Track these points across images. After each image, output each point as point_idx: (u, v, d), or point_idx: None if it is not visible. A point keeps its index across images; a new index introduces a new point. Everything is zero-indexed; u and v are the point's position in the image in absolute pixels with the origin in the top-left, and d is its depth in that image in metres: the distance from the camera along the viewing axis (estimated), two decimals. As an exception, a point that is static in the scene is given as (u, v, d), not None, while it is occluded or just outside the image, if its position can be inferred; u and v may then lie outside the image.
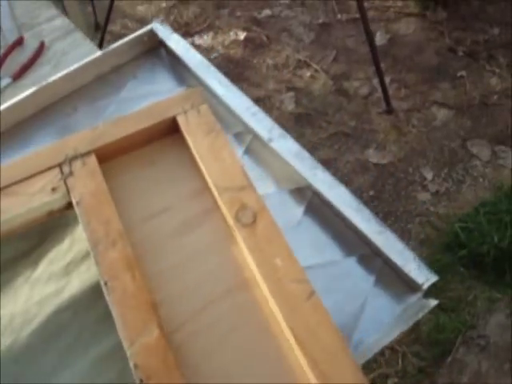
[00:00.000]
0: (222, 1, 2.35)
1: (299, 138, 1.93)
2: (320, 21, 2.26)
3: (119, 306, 0.68)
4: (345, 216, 0.78)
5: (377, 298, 0.73)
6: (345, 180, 1.83)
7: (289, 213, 0.81)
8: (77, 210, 0.76)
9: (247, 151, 0.88)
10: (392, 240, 0.76)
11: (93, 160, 0.79)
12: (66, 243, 0.82)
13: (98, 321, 0.72)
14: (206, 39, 2.26)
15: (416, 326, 1.47)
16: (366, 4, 1.82)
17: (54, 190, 0.78)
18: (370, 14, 2.10)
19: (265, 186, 0.84)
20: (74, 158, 0.79)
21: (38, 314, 0.76)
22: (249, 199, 0.73)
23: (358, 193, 1.80)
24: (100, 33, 2.17)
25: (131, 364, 0.64)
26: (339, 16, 2.25)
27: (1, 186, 0.78)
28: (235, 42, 2.24)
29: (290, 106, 2.03)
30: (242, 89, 0.99)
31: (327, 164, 1.87)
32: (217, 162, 0.77)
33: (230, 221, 0.72)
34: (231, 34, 2.26)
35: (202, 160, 0.77)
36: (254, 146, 0.88)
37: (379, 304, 0.73)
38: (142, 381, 0.63)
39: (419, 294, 0.73)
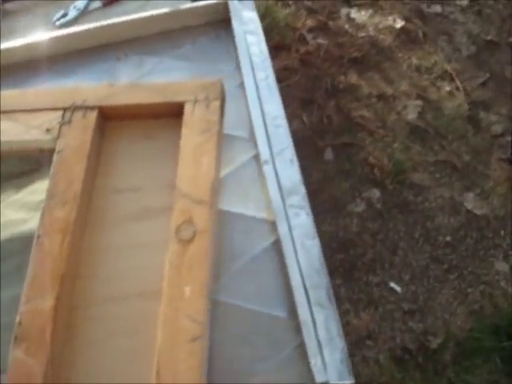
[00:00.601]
0: (395, -19, 2.18)
1: (403, 150, 1.79)
2: (488, 37, 2.02)
3: (36, 263, 0.69)
4: (300, 274, 0.72)
5: (275, 372, 0.67)
6: (428, 214, 1.68)
7: (248, 242, 0.76)
8: (55, 157, 0.77)
9: (250, 162, 0.83)
10: (330, 319, 0.69)
11: (93, 116, 0.79)
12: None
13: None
14: (362, 15, 2.14)
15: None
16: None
17: (48, 130, 0.80)
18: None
19: (241, 205, 0.79)
20: (79, 107, 0.80)
21: (-5, 233, 0.81)
22: (199, 216, 0.70)
23: (434, 233, 1.65)
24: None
25: (16, 319, 0.66)
26: (513, 39, 2.00)
27: (7, 109, 0.82)
28: (390, 28, 2.09)
29: (411, 114, 1.87)
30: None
31: (418, 190, 1.73)
32: (193, 165, 0.73)
33: (172, 230, 0.70)
34: (390, 18, 2.11)
35: (182, 157, 0.74)
36: (256, 160, 0.82)
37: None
38: (16, 338, 0.65)
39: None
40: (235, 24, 0.94)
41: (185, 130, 0.76)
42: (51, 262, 0.69)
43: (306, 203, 0.77)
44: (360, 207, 1.72)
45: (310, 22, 2.12)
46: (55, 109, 0.81)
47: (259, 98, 0.86)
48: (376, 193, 1.74)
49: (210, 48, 0.96)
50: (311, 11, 2.16)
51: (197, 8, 0.97)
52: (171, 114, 0.80)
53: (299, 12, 2.15)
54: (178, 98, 0.79)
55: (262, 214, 0.77)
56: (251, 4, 1.00)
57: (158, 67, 0.94)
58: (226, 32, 0.96)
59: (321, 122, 1.89)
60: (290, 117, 1.90)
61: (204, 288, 0.65)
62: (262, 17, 2.03)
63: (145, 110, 0.80)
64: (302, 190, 0.78)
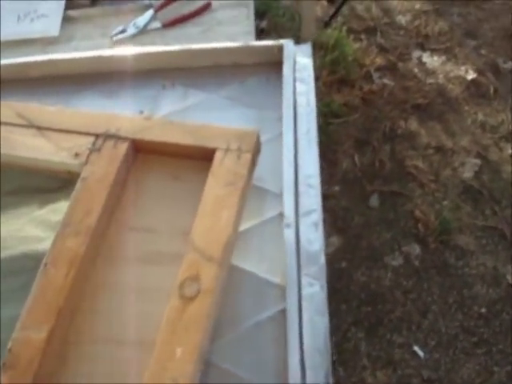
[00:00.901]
0: (473, 31, 2.10)
1: (452, 209, 1.72)
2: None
3: (37, 292, 0.69)
4: (300, 352, 0.68)
5: None
6: (466, 281, 1.60)
7: (254, 305, 0.73)
8: (78, 183, 0.76)
9: (275, 219, 0.80)
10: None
11: (124, 147, 0.78)
12: (72, 202, 0.84)
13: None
14: (434, 60, 2.07)
15: None
16: None
17: (76, 155, 0.79)
18: None
19: (256, 264, 0.76)
20: (111, 136, 0.79)
21: (10, 247, 0.81)
22: (206, 274, 0.67)
23: (469, 302, 1.57)
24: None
25: (8, 345, 0.65)
26: None
27: (42, 126, 0.82)
28: (460, 78, 2.01)
29: (467, 172, 1.79)
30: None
31: (461, 253, 1.65)
32: (211, 217, 0.71)
33: (176, 283, 0.67)
34: (462, 68, 2.03)
35: (201, 207, 0.72)
36: (279, 219, 0.79)
37: None
38: (4, 364, 0.64)
39: None
40: (286, 69, 0.91)
41: (210, 179, 0.74)
42: (53, 292, 0.68)
43: (322, 275, 0.73)
44: (397, 261, 1.66)
45: (379, 61, 2.07)
46: (88, 133, 0.80)
47: (296, 152, 0.83)
48: (416, 249, 1.67)
49: (258, 91, 0.93)
50: (382, 49, 2.11)
51: (251, 47, 0.95)
52: (202, 157, 0.78)
53: (370, 48, 2.11)
54: (210, 144, 0.77)
55: (276, 278, 0.74)
56: (308, 49, 0.97)
57: (202, 103, 0.92)
58: (276, 76, 0.93)
59: (372, 166, 1.84)
60: (342, 155, 1.87)
61: (196, 352, 0.63)
62: (331, 48, 2.01)
63: (176, 149, 0.78)
64: (322, 259, 0.74)
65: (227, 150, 0.76)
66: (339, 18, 2.18)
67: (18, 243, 0.81)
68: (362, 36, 2.15)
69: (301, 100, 0.89)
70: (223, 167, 0.74)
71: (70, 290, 0.69)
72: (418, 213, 1.72)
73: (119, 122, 0.81)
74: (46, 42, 1.12)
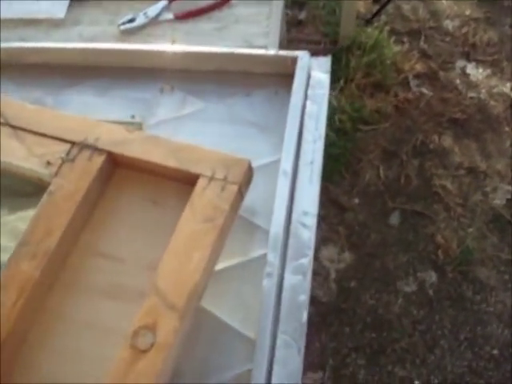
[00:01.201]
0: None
1: (477, 238, 1.59)
2: None
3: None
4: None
5: None
6: (481, 318, 1.49)
7: (220, 360, 0.64)
8: (44, 197, 0.69)
9: (258, 260, 0.71)
10: None
11: (100, 160, 0.70)
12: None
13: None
14: (478, 72, 1.92)
15: None
16: None
17: (48, 163, 0.71)
18: None
19: (229, 312, 0.67)
20: (87, 146, 0.71)
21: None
22: (165, 325, 0.59)
23: (481, 341, 1.46)
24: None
25: None
26: None
27: (18, 125, 0.74)
28: (504, 96, 1.86)
29: (498, 200, 1.66)
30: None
31: (479, 287, 1.53)
32: (181, 257, 0.62)
33: (129, 332, 0.59)
34: (508, 85, 1.88)
35: (172, 244, 0.63)
36: (264, 261, 0.70)
37: None
38: None
39: None
40: (296, 84, 0.81)
41: (187, 211, 0.65)
42: (-5, 321, 0.61)
43: (302, 335, 0.64)
44: (410, 287, 1.55)
45: (418, 67, 1.94)
46: (64, 140, 0.72)
47: (293, 185, 0.73)
48: (432, 276, 1.56)
49: (264, 105, 0.84)
50: (424, 55, 1.97)
51: (262, 56, 0.85)
52: (184, 181, 0.69)
53: (411, 53, 1.97)
54: (194, 169, 0.68)
55: (249, 332, 0.65)
56: (327, 64, 0.86)
57: (200, 113, 0.83)
58: (287, 90, 0.83)
59: (397, 181, 1.73)
60: (367, 165, 1.75)
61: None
62: (370, 49, 1.88)
63: (157, 168, 0.70)
64: (303, 316, 0.65)
65: (211, 179, 0.67)
66: (382, 17, 2.05)
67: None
68: (405, 39, 2.01)
69: (309, 123, 0.79)
70: (204, 198, 0.66)
71: (15, 319, 0.62)
72: (439, 237, 1.61)
73: (100, 130, 0.72)
74: (52, 24, 1.04)
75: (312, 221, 0.72)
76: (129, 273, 0.67)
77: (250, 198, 0.71)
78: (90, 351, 0.63)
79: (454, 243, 1.59)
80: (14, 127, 0.75)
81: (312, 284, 1.69)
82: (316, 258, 1.63)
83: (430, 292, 1.54)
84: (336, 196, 1.72)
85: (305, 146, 0.77)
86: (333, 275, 1.60)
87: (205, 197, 0.66)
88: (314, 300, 1.55)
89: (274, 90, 0.85)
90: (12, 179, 0.80)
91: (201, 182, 0.67)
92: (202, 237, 0.63)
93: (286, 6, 2.18)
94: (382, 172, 1.74)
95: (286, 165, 0.74)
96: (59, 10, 1.03)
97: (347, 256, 1.63)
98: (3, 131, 0.74)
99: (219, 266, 0.69)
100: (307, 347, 0.63)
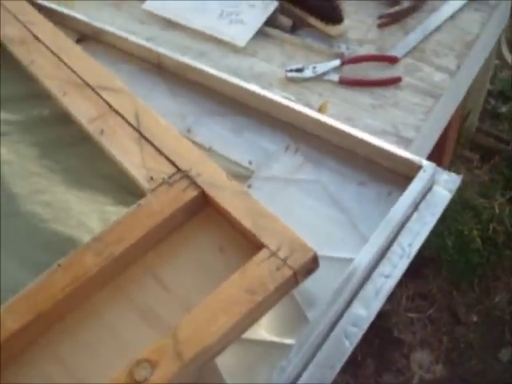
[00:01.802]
0: None
1: None
2: None
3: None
4: None
5: None
6: None
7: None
8: (133, 206, 0.75)
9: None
10: None
11: (192, 195, 0.75)
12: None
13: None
14: None
15: None
16: None
17: (151, 179, 0.78)
18: None
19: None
20: (188, 177, 0.76)
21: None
22: (165, 367, 0.61)
23: None
24: None
25: None
26: None
27: (146, 135, 0.82)
28: None
29: None
30: None
31: None
32: (208, 315, 0.64)
33: (135, 358, 0.62)
34: None
35: (209, 298, 0.65)
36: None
37: None
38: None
39: None
40: (406, 195, 0.77)
41: (236, 275, 0.67)
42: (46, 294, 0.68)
43: None
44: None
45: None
46: (173, 163, 0.78)
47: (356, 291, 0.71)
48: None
49: (372, 202, 0.81)
50: None
51: (383, 150, 0.82)
52: (253, 243, 0.71)
53: None
54: (263, 238, 0.69)
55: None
56: (455, 182, 0.80)
57: (308, 184, 0.83)
58: (400, 194, 0.79)
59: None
60: (503, 287, 1.61)
61: None
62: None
63: (235, 221, 0.72)
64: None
65: (273, 254, 0.68)
66: None
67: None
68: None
69: (405, 237, 0.75)
70: (257, 269, 0.67)
71: (60, 301, 0.68)
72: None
73: (205, 167, 0.77)
74: (231, 49, 1.11)
75: (355, 337, 0.69)
76: (168, 304, 0.70)
77: (317, 286, 0.72)
78: (103, 356, 0.67)
79: None
80: (141, 134, 0.82)
81: (391, 380, 1.59)
82: (407, 357, 1.54)
83: None
84: (455, 305, 1.60)
85: (388, 256, 0.74)
86: (415, 381, 1.50)
87: (259, 268, 0.67)
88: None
89: (388, 189, 0.82)
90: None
91: (262, 253, 0.68)
92: (236, 304, 0.64)
93: (490, 95, 2.08)
94: (516, 299, 1.58)
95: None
96: (242, 39, 1.10)
97: (439, 369, 1.51)
98: (132, 134, 0.82)
99: (250, 335, 0.69)
100: None
